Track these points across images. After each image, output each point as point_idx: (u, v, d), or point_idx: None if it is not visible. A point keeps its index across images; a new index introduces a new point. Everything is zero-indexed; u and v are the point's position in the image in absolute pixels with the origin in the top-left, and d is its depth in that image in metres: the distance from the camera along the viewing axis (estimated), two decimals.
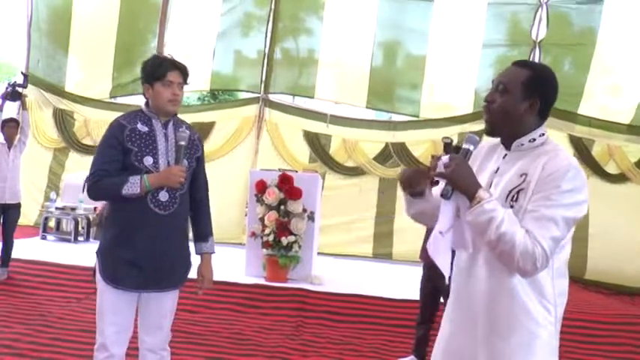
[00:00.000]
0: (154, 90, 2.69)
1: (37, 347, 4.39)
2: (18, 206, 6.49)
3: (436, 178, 1.86)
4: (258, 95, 9.79)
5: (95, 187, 2.65)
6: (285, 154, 9.51)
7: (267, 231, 6.26)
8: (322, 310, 5.76)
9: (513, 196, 1.82)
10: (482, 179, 1.92)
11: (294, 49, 9.74)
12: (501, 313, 1.83)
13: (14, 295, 5.88)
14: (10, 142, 6.41)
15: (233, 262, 7.06)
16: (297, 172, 6.92)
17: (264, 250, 6.32)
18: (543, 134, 1.91)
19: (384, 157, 9.43)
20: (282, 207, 6.27)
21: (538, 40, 8.81)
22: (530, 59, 8.66)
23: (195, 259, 2.92)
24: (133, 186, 2.58)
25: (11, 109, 7.05)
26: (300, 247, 6.30)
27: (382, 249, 9.14)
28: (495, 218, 1.73)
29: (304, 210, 6.33)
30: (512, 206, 1.81)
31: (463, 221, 1.84)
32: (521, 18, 8.99)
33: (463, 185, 1.80)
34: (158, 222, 2.67)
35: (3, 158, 6.35)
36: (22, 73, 8.56)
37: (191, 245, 2.91)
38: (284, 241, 6.18)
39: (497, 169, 1.93)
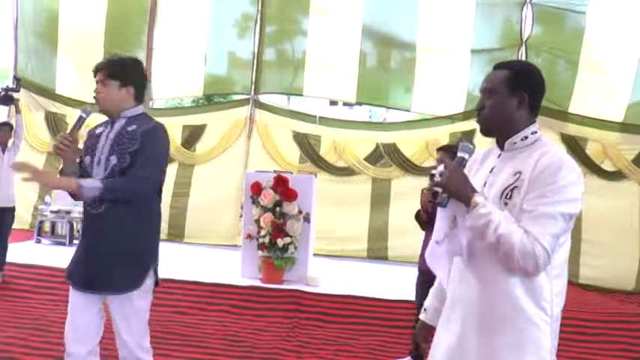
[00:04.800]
0: None
1: (30, 351, 4.38)
2: (12, 210, 6.47)
3: (434, 188, 1.87)
4: (249, 97, 9.78)
5: None
6: (276, 156, 9.51)
7: (262, 233, 6.26)
8: (318, 311, 5.77)
9: (507, 194, 1.84)
10: (479, 180, 1.95)
11: (284, 50, 9.73)
12: (496, 313, 1.84)
13: (8, 298, 5.86)
14: (3, 145, 6.38)
15: (228, 264, 7.08)
16: (292, 173, 6.93)
17: (260, 251, 6.32)
18: (535, 132, 1.94)
19: (375, 157, 9.45)
20: (277, 209, 6.27)
21: (525, 39, 8.82)
22: (519, 58, 8.70)
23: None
24: None
25: (3, 114, 7.02)
26: (295, 248, 6.30)
27: (377, 250, 9.15)
28: (492, 221, 1.75)
29: (300, 211, 6.34)
30: (506, 204, 1.83)
31: (459, 229, 1.87)
32: (508, 16, 8.99)
33: (458, 192, 1.83)
34: (91, 221, 2.74)
35: None
36: (14, 76, 8.53)
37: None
38: (280, 242, 6.18)
39: (493, 168, 1.96)
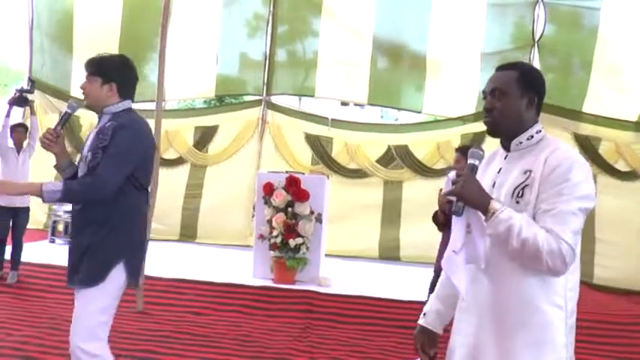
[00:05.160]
0: None
1: (46, 350, 4.42)
2: (27, 210, 6.53)
3: (447, 197, 1.88)
4: (261, 98, 9.80)
5: None
6: (288, 157, 9.53)
7: (274, 233, 6.27)
8: (330, 311, 5.77)
9: (519, 193, 1.85)
10: (486, 182, 1.96)
11: (295, 50, 9.75)
12: (512, 314, 1.84)
13: (23, 298, 5.91)
14: (18, 146, 6.46)
15: (240, 264, 7.09)
16: (304, 174, 6.94)
17: (272, 252, 6.34)
18: (540, 131, 1.96)
19: (387, 159, 9.44)
20: (289, 209, 6.29)
21: (537, 39, 8.76)
22: (531, 59, 8.65)
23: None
24: None
25: (18, 115, 7.08)
26: (307, 248, 6.31)
27: (389, 251, 9.14)
28: (514, 226, 1.76)
29: (312, 212, 6.35)
30: (517, 202, 1.85)
31: (474, 237, 1.87)
32: (520, 16, 8.92)
33: (474, 200, 1.84)
34: (73, 217, 2.84)
35: (12, 163, 6.41)
36: (28, 78, 8.60)
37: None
38: (291, 243, 6.20)
39: (500, 169, 1.97)
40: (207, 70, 9.80)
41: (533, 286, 1.82)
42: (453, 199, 1.86)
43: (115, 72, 2.76)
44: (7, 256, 6.36)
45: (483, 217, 1.84)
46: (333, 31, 9.31)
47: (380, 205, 9.37)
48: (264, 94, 9.76)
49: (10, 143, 6.47)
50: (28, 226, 6.75)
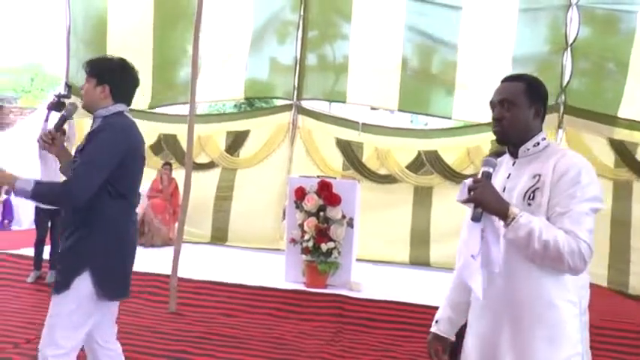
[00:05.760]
0: None
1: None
2: None
3: (464, 204, 1.98)
4: (292, 102, 9.86)
5: None
6: (319, 161, 9.57)
7: (306, 237, 6.30)
8: (361, 316, 5.77)
9: (530, 195, 1.96)
10: (496, 188, 2.03)
11: (326, 55, 9.77)
12: (528, 313, 1.93)
13: None
14: None
15: (271, 268, 7.13)
16: (335, 178, 6.95)
17: (304, 255, 6.36)
18: (545, 138, 2.08)
19: (417, 165, 9.41)
20: (321, 213, 6.31)
21: (571, 43, 8.62)
22: (564, 62, 8.53)
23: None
24: None
25: (55, 119, 7.23)
26: (339, 253, 6.32)
27: (419, 257, 9.10)
28: (534, 229, 1.85)
29: (343, 216, 6.36)
30: (529, 204, 1.95)
31: (489, 242, 1.95)
32: (552, 20, 8.80)
33: (493, 206, 1.91)
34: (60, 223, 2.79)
35: (51, 165, 6.55)
36: (65, 83, 8.78)
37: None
38: (323, 247, 6.21)
39: (509, 175, 2.08)
40: (238, 74, 9.88)
41: (548, 284, 1.92)
42: (471, 206, 1.94)
43: (109, 74, 2.73)
44: (46, 256, 6.52)
45: (501, 223, 1.93)
46: (363, 36, 9.32)
47: (410, 211, 9.35)
48: (295, 99, 9.81)
49: None
50: None
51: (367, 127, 9.65)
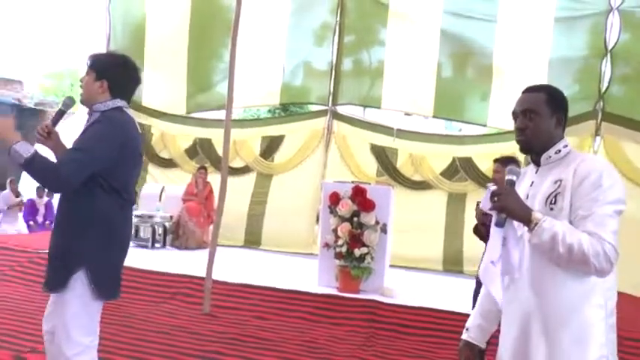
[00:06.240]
0: None
1: (119, 345, 4.61)
2: None
3: (488, 212, 2.02)
4: (327, 108, 9.90)
5: None
6: (354, 167, 9.60)
7: (339, 242, 6.31)
8: (393, 322, 5.75)
9: (551, 200, 1.99)
10: (520, 195, 2.06)
11: (361, 60, 9.79)
12: (554, 315, 1.95)
13: None
14: None
15: (304, 272, 7.17)
16: (369, 184, 6.96)
17: (337, 260, 6.37)
18: (566, 145, 2.11)
19: (451, 171, 9.36)
20: (355, 219, 6.31)
21: (611, 48, 8.46)
22: (603, 69, 8.37)
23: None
24: None
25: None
26: (372, 258, 6.32)
27: (453, 264, 9.03)
28: (557, 233, 1.87)
29: (377, 222, 6.36)
30: (551, 209, 1.98)
31: (509, 248, 1.97)
32: (592, 25, 8.65)
33: (517, 212, 1.94)
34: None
35: None
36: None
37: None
38: (356, 252, 6.22)
39: (532, 183, 2.12)
40: (273, 79, 9.99)
41: (574, 288, 1.93)
42: (494, 212, 1.97)
43: (109, 69, 2.67)
44: None
45: (524, 228, 1.96)
46: (399, 41, 9.32)
47: (443, 218, 9.29)
48: (330, 104, 9.85)
49: None
50: None
51: (402, 133, 9.65)
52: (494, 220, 1.98)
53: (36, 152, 2.41)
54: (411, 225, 8.90)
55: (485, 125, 9.48)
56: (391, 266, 7.13)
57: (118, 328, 5.06)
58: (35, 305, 5.57)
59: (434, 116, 9.79)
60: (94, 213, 2.54)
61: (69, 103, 2.80)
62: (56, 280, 2.55)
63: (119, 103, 2.68)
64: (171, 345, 4.71)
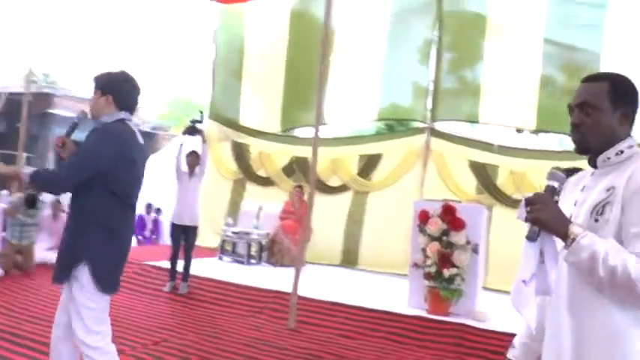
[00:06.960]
0: None
1: (204, 355, 4.72)
2: (195, 228, 7.15)
3: (523, 222, 1.73)
4: (426, 125, 9.69)
5: None
6: (452, 185, 9.28)
7: (428, 262, 6.11)
8: (483, 347, 5.43)
9: (598, 210, 1.67)
10: (570, 200, 1.81)
11: (461, 76, 9.48)
12: (588, 346, 1.65)
13: (191, 307, 6.45)
14: (190, 170, 7.08)
15: (396, 292, 6.98)
16: (460, 202, 6.70)
17: (426, 281, 6.16)
18: (632, 146, 1.74)
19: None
20: (444, 238, 6.09)
21: None
22: None
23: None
24: None
25: (192, 143, 7.82)
26: (462, 280, 6.05)
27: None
28: (598, 252, 1.57)
29: (467, 242, 6.09)
30: (596, 220, 1.66)
31: (547, 265, 1.71)
32: None
33: (550, 224, 1.65)
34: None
35: (185, 185, 7.04)
36: (199, 111, 9.45)
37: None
38: (446, 273, 5.98)
39: (584, 187, 1.80)
40: (371, 96, 9.90)
41: (617, 316, 1.61)
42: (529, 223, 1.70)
43: (111, 85, 2.95)
44: (179, 268, 6.97)
45: (561, 244, 1.66)
46: (499, 54, 8.94)
47: None
48: (429, 121, 9.64)
49: (184, 167, 7.12)
50: (203, 244, 7.32)
51: (502, 149, 9.22)
52: (525, 232, 1.70)
53: (36, 169, 2.87)
54: (511, 246, 8.40)
55: None
56: (485, 289, 6.79)
57: (205, 338, 5.21)
58: (136, 312, 5.89)
59: (537, 130, 9.24)
60: (95, 214, 2.82)
61: (81, 116, 3.19)
62: (61, 271, 2.86)
63: (122, 115, 2.96)
64: (250, 357, 4.76)
